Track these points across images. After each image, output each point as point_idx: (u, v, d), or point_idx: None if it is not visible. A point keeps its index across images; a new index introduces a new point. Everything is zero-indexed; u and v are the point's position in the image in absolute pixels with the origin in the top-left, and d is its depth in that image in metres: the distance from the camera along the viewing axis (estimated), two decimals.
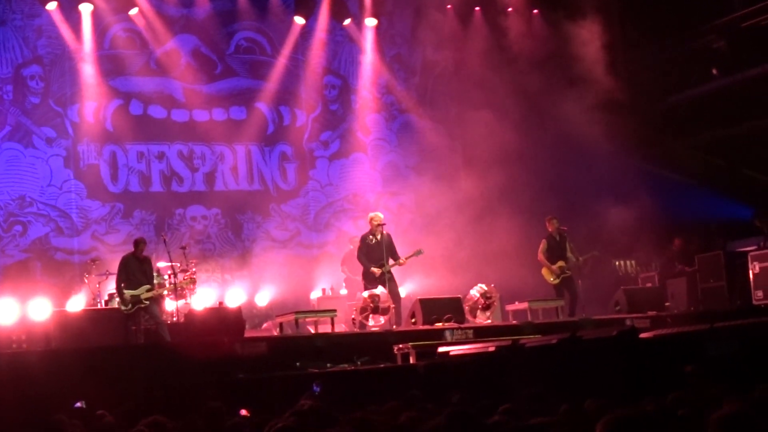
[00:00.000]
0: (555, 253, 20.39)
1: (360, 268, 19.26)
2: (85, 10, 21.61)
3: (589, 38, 23.47)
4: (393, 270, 18.94)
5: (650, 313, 19.07)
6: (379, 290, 18.26)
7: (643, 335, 11.64)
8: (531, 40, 24.23)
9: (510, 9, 24.85)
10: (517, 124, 23.17)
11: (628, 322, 17.50)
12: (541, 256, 20.46)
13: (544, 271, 20.46)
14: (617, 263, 22.99)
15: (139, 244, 17.57)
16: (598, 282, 21.61)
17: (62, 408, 10.25)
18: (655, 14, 23.83)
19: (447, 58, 24.75)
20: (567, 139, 22.87)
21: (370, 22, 24.22)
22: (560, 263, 20.22)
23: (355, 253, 19.50)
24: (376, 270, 18.69)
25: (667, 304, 20.82)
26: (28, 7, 21.41)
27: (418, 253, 19.35)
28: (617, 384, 9.65)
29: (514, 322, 19.49)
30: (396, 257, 18.98)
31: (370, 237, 18.96)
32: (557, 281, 20.31)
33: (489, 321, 19.07)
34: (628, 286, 21.43)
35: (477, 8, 24.81)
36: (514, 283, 20.97)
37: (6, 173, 20.95)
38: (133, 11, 22.05)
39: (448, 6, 24.60)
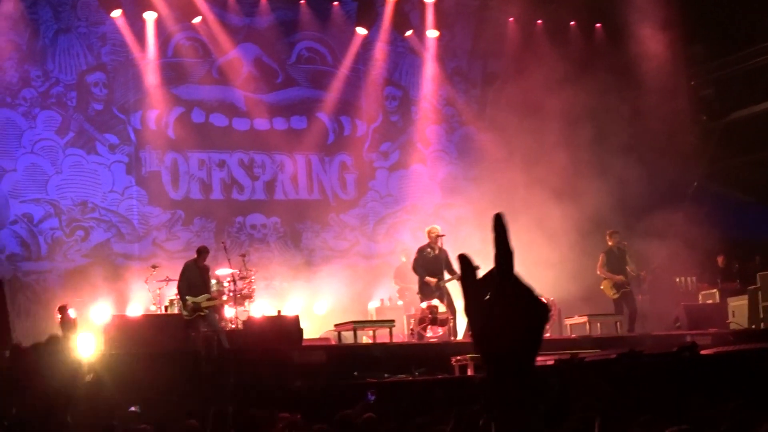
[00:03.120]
0: (614, 267, 20.23)
1: (413, 279, 19.23)
2: (149, 18, 21.84)
3: (652, 53, 23.31)
4: (449, 284, 18.86)
5: (711, 330, 18.86)
6: (437, 302, 18.22)
7: (704, 352, 11.54)
8: (592, 53, 24.15)
9: (572, 23, 24.78)
10: (577, 137, 23.06)
11: (688, 339, 17.33)
12: (600, 270, 20.32)
13: (604, 285, 20.30)
14: (677, 279, 22.74)
15: (201, 252, 17.70)
16: (658, 298, 21.41)
17: (118, 412, 10.31)
18: (719, 30, 23.60)
19: (508, 71, 24.67)
20: (628, 153, 22.73)
21: (432, 33, 24.23)
22: (620, 277, 20.07)
23: (408, 266, 19.48)
24: (431, 279, 18.63)
25: (728, 321, 20.56)
26: (93, 15, 21.64)
27: (476, 268, 19.24)
28: (676, 400, 9.55)
29: (573, 335, 19.37)
30: (452, 271, 18.90)
31: (428, 249, 18.89)
32: (617, 296, 20.15)
33: (548, 334, 18.96)
34: (689, 303, 21.21)
35: (539, 21, 24.72)
36: (573, 297, 20.85)
37: (69, 179, 21.18)
38: (197, 20, 22.24)
39: (510, 18, 24.54)
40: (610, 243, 20.45)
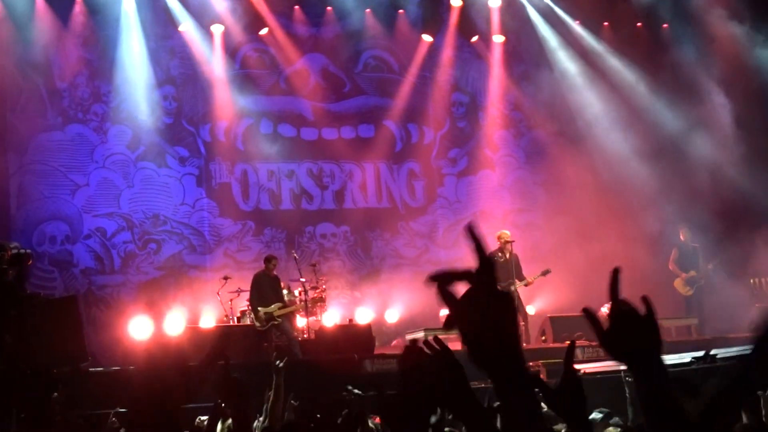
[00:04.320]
0: (687, 262, 20.04)
1: None
2: (217, 31, 22.02)
3: (724, 56, 23.04)
4: (519, 289, 18.79)
5: None
6: None
7: None
8: (662, 55, 23.93)
9: (639, 24, 24.59)
10: (647, 141, 22.87)
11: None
12: (672, 265, 20.14)
13: (677, 282, 20.11)
14: (752, 281, 22.42)
15: (270, 260, 17.79)
16: (732, 300, 21.10)
17: (191, 424, 10.37)
18: None
19: (575, 74, 24.48)
20: (700, 156, 22.45)
21: (498, 38, 24.14)
22: (692, 273, 19.85)
23: None
24: (501, 285, 18.55)
25: None
26: (161, 29, 21.85)
27: (546, 272, 19.17)
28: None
29: None
30: (521, 277, 18.82)
31: (499, 254, 18.82)
32: (690, 292, 19.95)
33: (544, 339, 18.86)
34: (764, 304, 20.88)
35: (605, 23, 24.53)
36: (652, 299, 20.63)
37: (140, 192, 21.38)
38: (263, 31, 22.38)
39: (576, 21, 24.38)
40: (681, 238, 20.25)
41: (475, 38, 24.16)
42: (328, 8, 22.93)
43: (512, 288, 18.52)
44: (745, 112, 22.60)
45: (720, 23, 23.39)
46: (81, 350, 14.60)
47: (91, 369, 14.95)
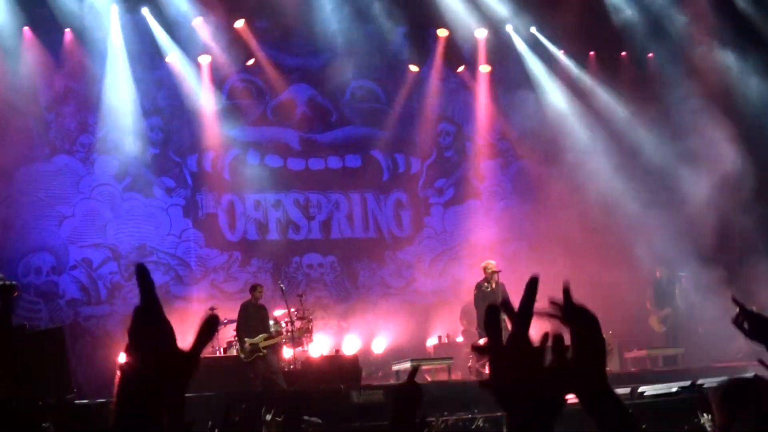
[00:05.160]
0: (662, 299, 20.13)
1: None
2: (204, 61, 22.06)
3: (710, 85, 23.17)
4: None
5: None
6: None
7: None
8: (648, 84, 24.01)
9: (623, 53, 24.73)
10: (635, 171, 22.94)
11: (750, 370, 17.04)
12: (648, 304, 20.26)
13: (651, 320, 20.28)
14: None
15: (255, 289, 17.79)
16: (722, 329, 21.09)
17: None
18: None
19: (561, 104, 24.54)
20: (688, 187, 22.47)
21: (484, 68, 24.22)
22: (667, 310, 19.92)
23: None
24: None
25: None
26: (148, 60, 21.88)
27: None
28: None
29: (633, 369, 19.17)
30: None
31: (485, 285, 18.83)
32: (664, 329, 20.05)
33: (607, 369, 18.75)
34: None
35: (591, 53, 24.65)
36: (635, 331, 20.67)
37: (127, 223, 21.34)
38: (250, 62, 22.43)
39: (561, 51, 24.48)
40: (657, 275, 20.34)
41: (461, 68, 24.25)
42: (315, 39, 22.96)
43: (501, 318, 18.50)
44: (733, 142, 22.61)
45: (706, 52, 23.51)
46: (66, 382, 14.54)
47: (76, 401, 14.86)
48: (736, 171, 21.82)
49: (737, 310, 2.62)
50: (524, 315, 2.43)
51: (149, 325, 2.19)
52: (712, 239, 21.85)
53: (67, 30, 21.02)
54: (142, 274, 2.20)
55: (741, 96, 23.70)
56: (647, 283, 21.13)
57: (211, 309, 19.50)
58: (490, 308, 2.35)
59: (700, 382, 13.51)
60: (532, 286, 2.42)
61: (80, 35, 21.16)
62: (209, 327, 2.19)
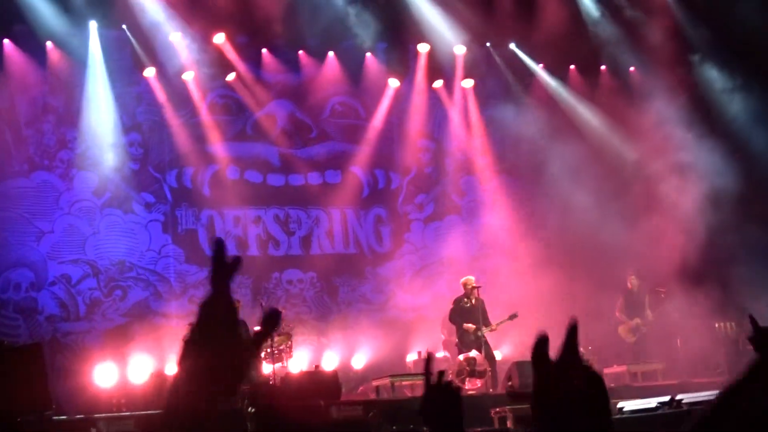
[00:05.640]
0: (632, 310, 20.22)
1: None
2: (184, 77, 22.00)
3: (694, 100, 23.30)
4: (486, 334, 18.85)
5: None
6: (474, 353, 18.16)
7: None
8: (630, 99, 24.07)
9: (603, 67, 24.82)
10: (615, 186, 22.97)
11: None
12: (618, 313, 20.33)
13: (621, 329, 20.35)
14: (717, 325, 22.51)
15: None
16: (698, 344, 21.17)
17: None
18: None
19: (542, 119, 24.59)
20: (670, 203, 22.53)
21: (465, 83, 24.26)
22: (637, 320, 19.99)
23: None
24: (469, 326, 18.65)
25: None
26: (128, 75, 21.84)
27: (513, 317, 19.19)
28: None
29: (612, 385, 19.19)
30: (488, 323, 18.89)
31: (465, 300, 18.88)
32: (633, 339, 20.12)
33: None
34: (729, 349, 20.96)
35: (572, 66, 24.74)
36: (614, 345, 20.73)
37: (106, 238, 21.27)
38: (230, 77, 22.41)
39: (540, 65, 24.57)
40: (629, 286, 20.42)
41: (441, 84, 24.27)
42: (295, 54, 22.99)
43: (479, 334, 18.54)
44: (717, 156, 22.69)
45: (691, 67, 23.64)
46: (45, 398, 14.46)
47: (55, 417, 14.79)
48: (721, 186, 21.89)
49: (752, 328, 2.60)
50: (565, 364, 2.30)
51: (220, 313, 2.19)
52: (696, 254, 21.90)
53: (48, 46, 20.96)
54: (219, 253, 2.15)
55: (724, 110, 23.82)
56: (618, 291, 21.22)
57: (191, 325, 19.46)
58: (540, 341, 2.26)
59: (679, 397, 13.52)
60: (572, 333, 2.33)
61: (60, 51, 21.10)
62: (272, 319, 2.21)
